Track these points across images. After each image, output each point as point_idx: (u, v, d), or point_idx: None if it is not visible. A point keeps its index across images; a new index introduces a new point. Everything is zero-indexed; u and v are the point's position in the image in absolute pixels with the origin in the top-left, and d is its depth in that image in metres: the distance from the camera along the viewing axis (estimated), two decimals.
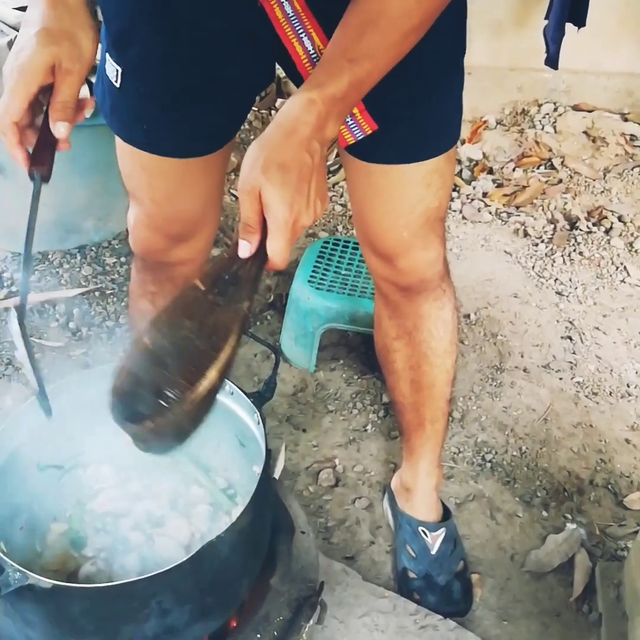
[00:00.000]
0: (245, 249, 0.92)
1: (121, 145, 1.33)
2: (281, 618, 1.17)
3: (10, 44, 2.08)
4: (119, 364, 0.96)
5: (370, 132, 1.19)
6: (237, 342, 0.93)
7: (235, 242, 0.93)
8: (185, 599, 1.03)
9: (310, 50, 1.11)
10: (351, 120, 1.17)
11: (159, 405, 0.91)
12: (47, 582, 0.94)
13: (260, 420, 1.13)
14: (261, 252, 0.92)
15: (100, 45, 1.22)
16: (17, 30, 1.32)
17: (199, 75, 1.20)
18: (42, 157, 1.02)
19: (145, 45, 1.18)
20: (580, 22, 2.65)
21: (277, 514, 1.23)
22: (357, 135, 1.20)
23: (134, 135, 1.29)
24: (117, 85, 1.23)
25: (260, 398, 1.17)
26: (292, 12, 1.07)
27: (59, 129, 1.01)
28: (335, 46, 0.98)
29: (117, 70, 1.21)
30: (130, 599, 0.98)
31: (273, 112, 3.09)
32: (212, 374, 0.91)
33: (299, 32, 1.09)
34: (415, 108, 1.22)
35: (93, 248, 2.53)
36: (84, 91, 2.21)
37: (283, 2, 1.06)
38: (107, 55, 1.23)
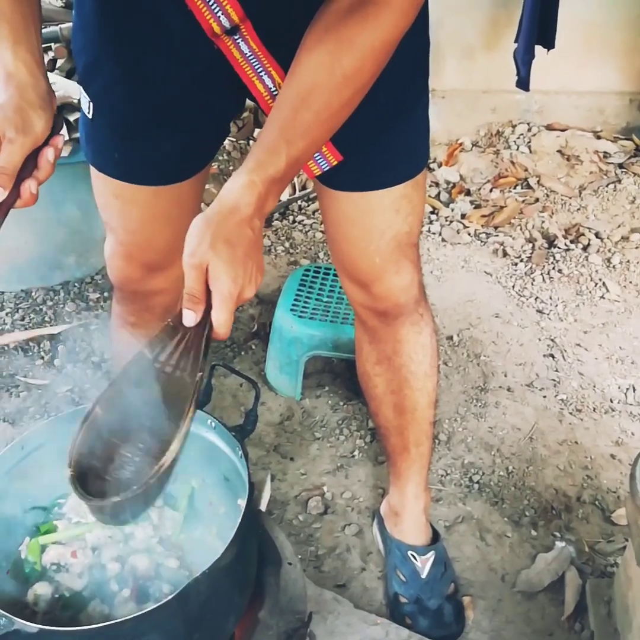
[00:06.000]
0: (191, 319, 0.95)
1: (95, 175, 1.35)
2: None
3: None
4: (76, 436, 0.98)
5: (335, 163, 1.21)
6: (194, 412, 0.96)
7: (179, 311, 0.96)
8: (173, 637, 1.02)
9: (271, 88, 1.13)
10: (317, 152, 1.20)
11: (122, 481, 0.93)
12: (33, 626, 0.94)
13: (243, 454, 1.13)
14: (205, 322, 0.95)
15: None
16: None
17: (163, 106, 1.23)
18: None
19: (110, 77, 1.22)
20: (549, 45, 2.70)
21: (264, 547, 1.23)
22: (323, 167, 1.23)
23: (106, 163, 1.32)
24: (90, 116, 1.27)
25: (242, 431, 1.17)
26: (249, 51, 1.10)
27: None
28: (272, 125, 0.99)
29: (88, 102, 1.26)
30: None
31: (251, 142, 3.11)
32: (175, 447, 0.94)
33: (259, 70, 1.12)
34: (379, 136, 1.24)
35: (76, 284, 2.54)
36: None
37: (238, 42, 1.09)
38: (81, 88, 1.27)
